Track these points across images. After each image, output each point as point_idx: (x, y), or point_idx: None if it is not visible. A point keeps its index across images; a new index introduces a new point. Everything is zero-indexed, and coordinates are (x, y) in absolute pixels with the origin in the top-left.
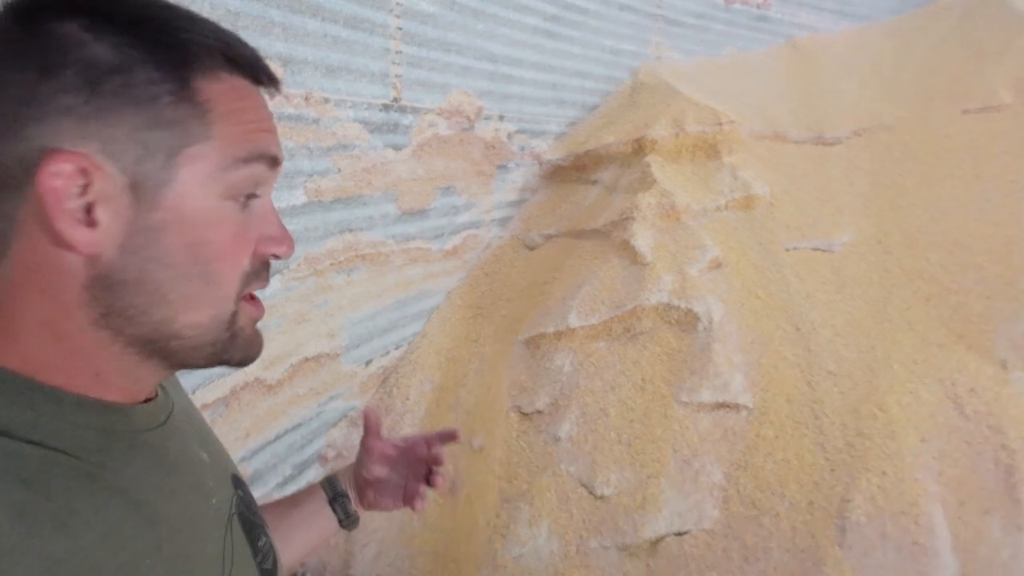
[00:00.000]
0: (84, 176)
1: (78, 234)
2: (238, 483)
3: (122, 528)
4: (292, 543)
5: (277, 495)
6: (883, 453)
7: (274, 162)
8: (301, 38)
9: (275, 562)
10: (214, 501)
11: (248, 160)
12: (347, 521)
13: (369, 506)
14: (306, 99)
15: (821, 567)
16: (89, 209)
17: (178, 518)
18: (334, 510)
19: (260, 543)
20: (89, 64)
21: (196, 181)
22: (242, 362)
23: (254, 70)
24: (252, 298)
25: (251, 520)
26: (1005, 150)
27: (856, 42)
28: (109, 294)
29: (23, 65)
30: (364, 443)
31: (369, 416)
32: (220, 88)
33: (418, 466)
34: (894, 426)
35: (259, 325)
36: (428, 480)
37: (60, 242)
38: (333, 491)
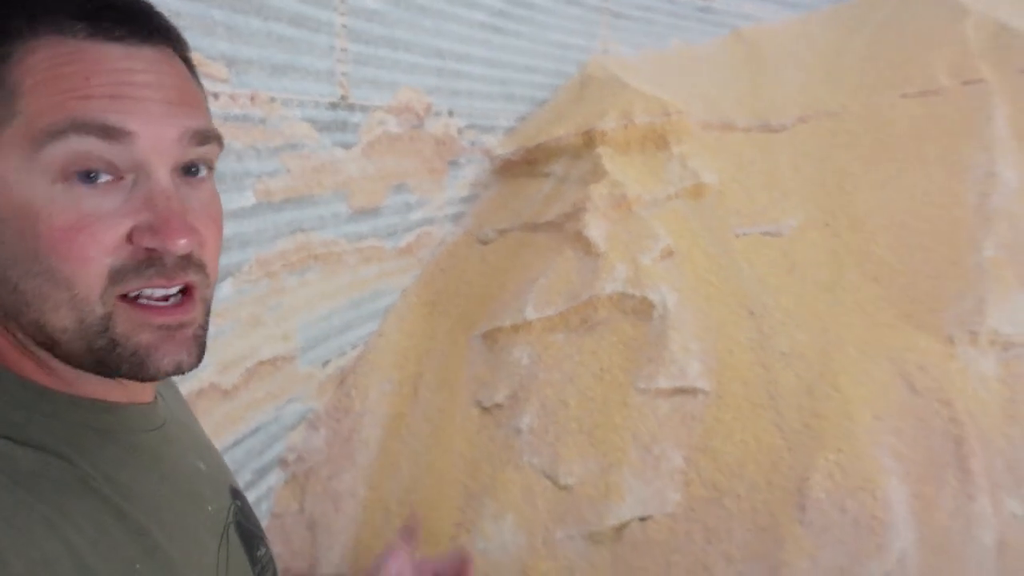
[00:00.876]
0: None
1: None
2: (237, 495)
3: (113, 532)
4: None
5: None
6: (839, 431)
7: (110, 132)
8: (245, 38)
9: (274, 573)
10: (210, 509)
11: (60, 132)
12: None
13: None
14: (252, 99)
15: (782, 544)
16: None
17: (171, 524)
18: None
19: (259, 553)
20: None
21: (12, 166)
22: (138, 375)
23: (92, 24)
24: (135, 299)
25: (249, 530)
26: (945, 132)
27: (798, 31)
28: None
29: None
30: (384, 564)
31: (409, 532)
32: (37, 58)
33: None
34: (848, 405)
35: (215, 329)
36: None
37: None
38: None
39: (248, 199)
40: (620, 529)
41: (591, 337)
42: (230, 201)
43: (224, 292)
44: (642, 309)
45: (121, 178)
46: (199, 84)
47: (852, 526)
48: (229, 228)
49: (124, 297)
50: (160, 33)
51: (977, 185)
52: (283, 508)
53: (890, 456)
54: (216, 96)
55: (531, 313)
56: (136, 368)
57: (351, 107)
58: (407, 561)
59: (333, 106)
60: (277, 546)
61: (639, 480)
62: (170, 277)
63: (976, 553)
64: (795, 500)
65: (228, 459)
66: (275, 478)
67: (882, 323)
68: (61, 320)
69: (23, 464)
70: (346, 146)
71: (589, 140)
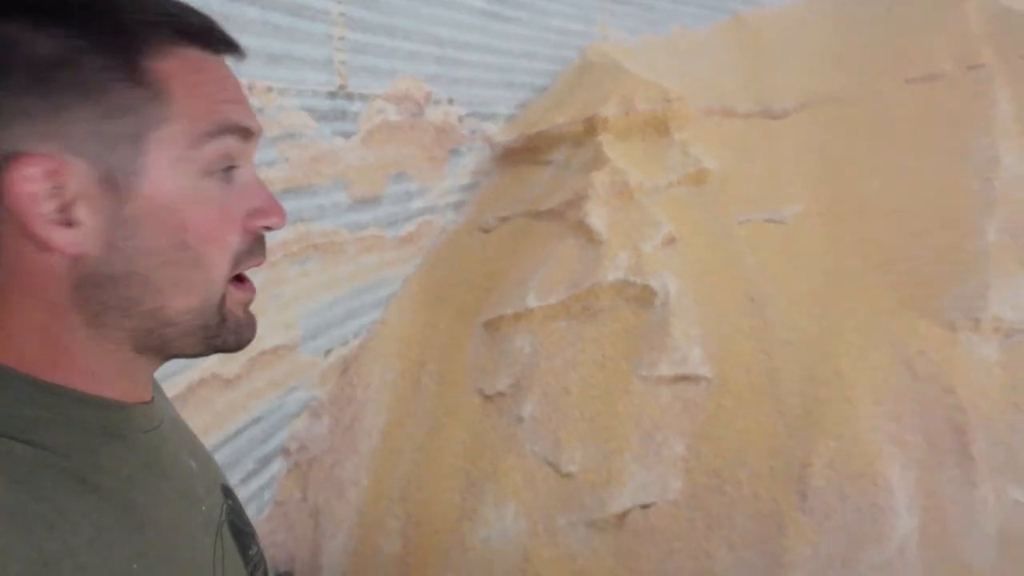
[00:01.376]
0: (54, 177)
1: (58, 236)
2: (228, 493)
3: (111, 531)
4: None
5: (241, 491)
6: (840, 417)
7: (246, 133)
8: (241, 26)
9: (265, 571)
10: (204, 508)
11: (215, 134)
12: None
13: None
14: (249, 88)
15: (784, 531)
16: (65, 209)
17: (168, 523)
18: None
19: (251, 552)
20: (35, 62)
21: (167, 164)
22: (236, 346)
23: (208, 39)
24: (241, 280)
25: (242, 529)
26: (947, 118)
27: (801, 16)
28: (101, 291)
29: None
30: None
31: None
32: (172, 64)
33: None
34: (849, 391)
35: None
36: None
37: (41, 246)
38: None
39: None
40: (622, 516)
41: (593, 325)
42: None
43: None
44: (644, 296)
45: (239, 168)
46: None
47: (853, 513)
48: None
49: (232, 278)
50: (236, 49)
51: (979, 171)
52: (286, 496)
53: (891, 442)
54: (237, 61)
55: (533, 301)
56: (236, 340)
57: (350, 96)
58: None
59: (332, 95)
60: (280, 534)
61: (641, 467)
62: (260, 256)
63: (978, 540)
64: (796, 487)
65: (231, 448)
66: (278, 466)
67: (884, 309)
68: (189, 301)
69: (23, 463)
70: (345, 135)
71: (590, 127)
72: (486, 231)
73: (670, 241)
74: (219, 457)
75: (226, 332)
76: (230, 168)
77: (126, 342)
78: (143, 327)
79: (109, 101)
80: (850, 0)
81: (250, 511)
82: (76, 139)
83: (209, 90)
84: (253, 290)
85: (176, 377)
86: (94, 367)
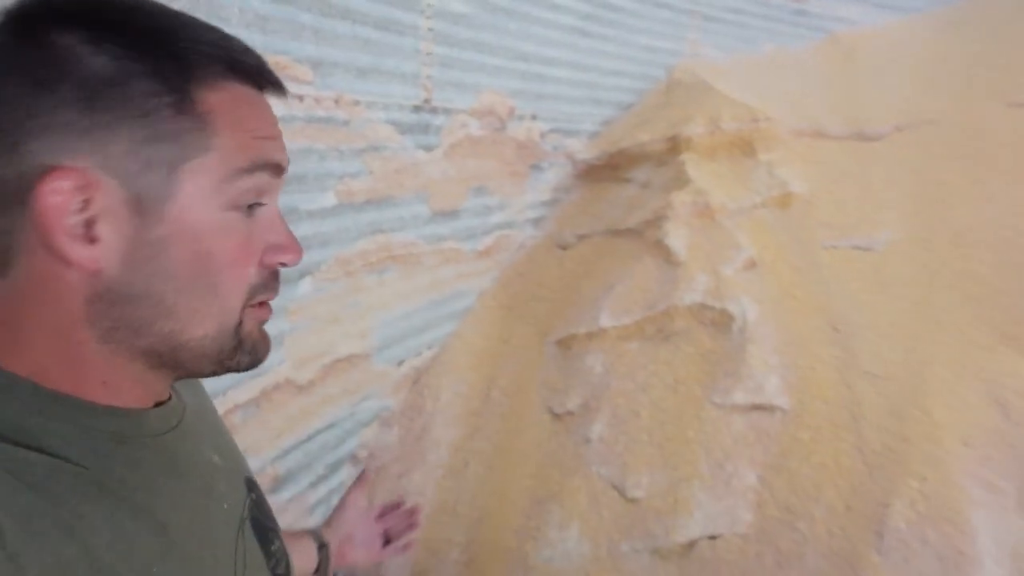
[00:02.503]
0: (84, 192)
1: (78, 250)
2: (252, 486)
3: (129, 534)
4: None
5: (311, 494)
6: (925, 457)
7: (278, 169)
8: (331, 41)
9: (288, 566)
10: (225, 506)
11: (251, 170)
12: (323, 568)
13: (342, 557)
14: (336, 101)
15: (858, 573)
16: (89, 224)
17: (187, 523)
18: (318, 555)
19: (273, 547)
20: (86, 78)
21: (199, 194)
22: (248, 367)
23: (257, 77)
24: (260, 304)
25: (264, 524)
26: None
27: (899, 35)
28: (114, 308)
29: (22, 79)
30: (346, 496)
31: (364, 475)
32: (221, 97)
33: (381, 526)
34: (936, 430)
35: (291, 326)
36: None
37: (61, 258)
38: (319, 540)
39: (329, 200)
40: (688, 546)
41: (667, 347)
42: (311, 201)
43: (303, 290)
44: (721, 321)
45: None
46: None
47: (935, 559)
48: (310, 227)
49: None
50: (278, 88)
51: None
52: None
53: (980, 487)
54: (301, 98)
55: (606, 321)
56: (250, 361)
57: (434, 110)
58: (363, 500)
59: (416, 109)
60: None
61: (710, 497)
62: (274, 291)
63: None
64: (874, 527)
65: (302, 452)
66: (347, 473)
67: (978, 344)
68: (204, 328)
69: (38, 470)
70: (428, 148)
71: (674, 146)
72: (564, 248)
73: (751, 265)
74: (291, 460)
75: (240, 354)
76: (256, 204)
77: (139, 358)
78: (154, 348)
79: (153, 125)
80: (951, 19)
81: (317, 515)
82: (113, 158)
83: (250, 126)
84: (270, 311)
85: (251, 381)
86: (107, 378)
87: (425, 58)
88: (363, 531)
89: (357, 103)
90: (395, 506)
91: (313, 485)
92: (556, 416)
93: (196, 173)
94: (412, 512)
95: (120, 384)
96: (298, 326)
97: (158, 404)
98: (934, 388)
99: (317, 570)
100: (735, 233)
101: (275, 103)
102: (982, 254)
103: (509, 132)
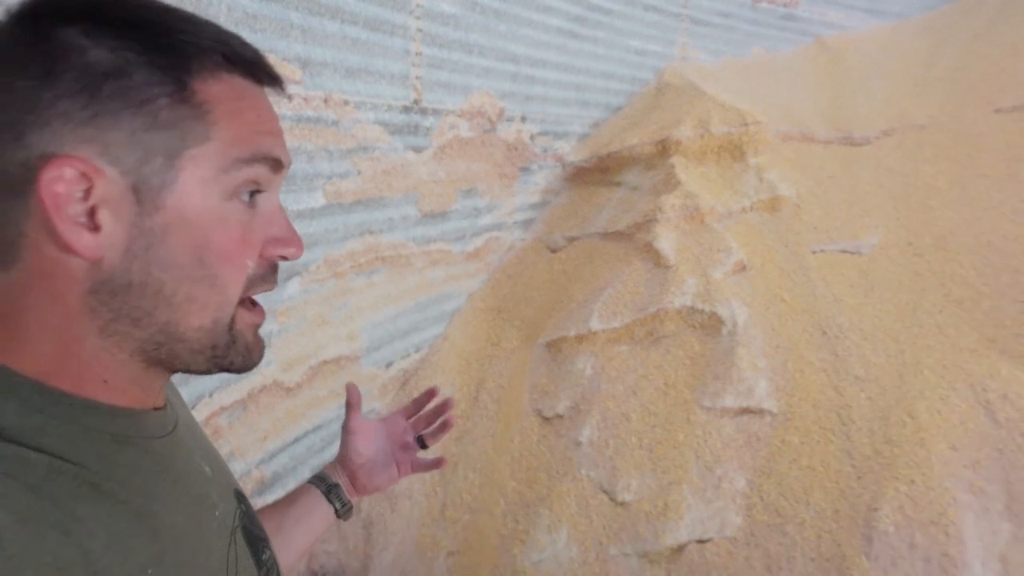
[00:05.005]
0: (86, 180)
1: (81, 238)
2: (240, 498)
3: (125, 537)
4: (294, 540)
5: None
6: (912, 461)
7: (277, 164)
8: (320, 40)
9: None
10: (217, 514)
11: (249, 161)
12: (343, 510)
13: (362, 489)
14: (326, 101)
15: None
16: (91, 213)
17: (182, 529)
18: (330, 502)
19: (264, 557)
20: (87, 69)
21: (198, 183)
22: (242, 368)
23: (255, 70)
24: (252, 304)
25: (254, 533)
26: None
27: (886, 40)
28: (114, 298)
29: (24, 71)
30: (347, 426)
31: (352, 394)
32: (220, 89)
33: (401, 438)
34: (923, 433)
35: (279, 327)
36: (422, 442)
37: (64, 247)
38: (326, 484)
39: (318, 200)
40: (677, 550)
41: (656, 351)
42: (300, 202)
43: (291, 291)
44: (711, 324)
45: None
46: None
47: (922, 562)
48: (298, 228)
49: (243, 300)
50: (276, 82)
51: None
52: None
53: (967, 491)
54: (290, 98)
55: (596, 324)
56: (244, 362)
57: (423, 111)
58: (360, 422)
59: (406, 109)
60: (332, 543)
61: (699, 501)
62: (272, 283)
63: None
64: (862, 531)
65: (288, 455)
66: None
67: (964, 348)
68: (201, 319)
69: (37, 470)
70: (417, 149)
71: (663, 149)
72: (553, 250)
73: (740, 268)
74: (277, 463)
75: (234, 353)
76: (255, 193)
77: (136, 353)
78: (153, 339)
79: (153, 115)
80: (939, 25)
81: None
82: (114, 147)
83: (249, 118)
84: (263, 314)
85: (238, 383)
86: (107, 376)
87: (415, 58)
88: (377, 453)
89: (346, 103)
90: (422, 402)
91: None
92: (545, 419)
93: (195, 162)
94: (443, 407)
95: (119, 383)
96: (286, 327)
97: (156, 409)
98: (920, 391)
99: (338, 514)
100: (724, 236)
101: None
102: (967, 258)
103: (499, 134)
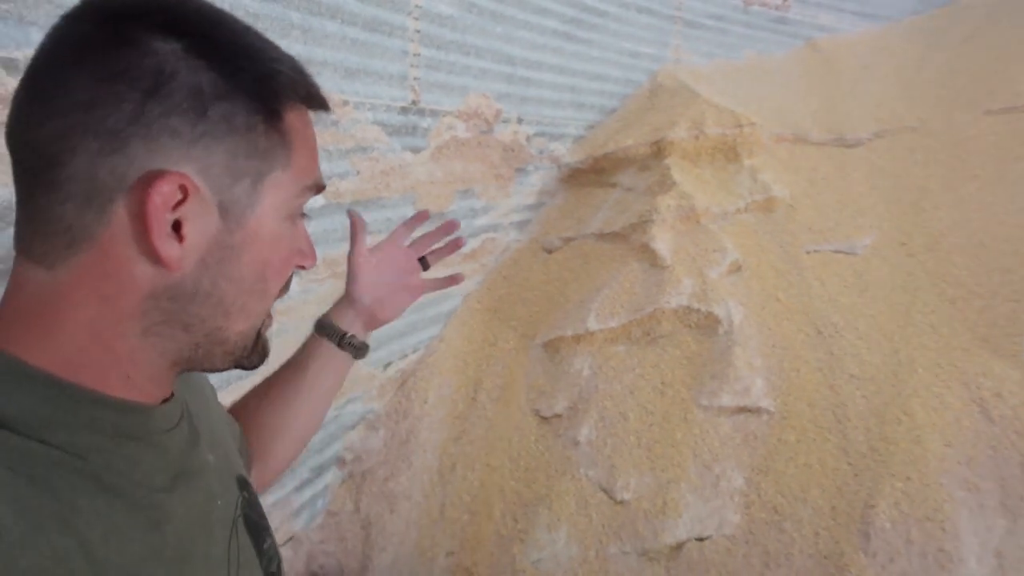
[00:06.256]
0: (182, 193)
1: (169, 248)
2: (244, 485)
3: (125, 529)
4: (317, 400)
5: (295, 498)
6: (908, 458)
7: (320, 189)
8: (320, 40)
9: (279, 565)
10: (219, 503)
11: (312, 188)
12: (359, 353)
13: (377, 322)
14: None
15: (844, 573)
16: (178, 225)
17: (182, 521)
18: (344, 349)
19: (265, 545)
20: (198, 89)
21: (273, 205)
22: (257, 365)
23: (317, 101)
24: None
25: (256, 522)
26: None
27: (877, 43)
28: (175, 303)
29: (129, 83)
30: (352, 258)
31: (356, 222)
32: (295, 118)
33: (405, 263)
34: (919, 431)
35: (279, 327)
36: (424, 263)
37: (150, 254)
38: (336, 333)
39: (317, 200)
40: (676, 548)
41: (653, 350)
42: None
43: (291, 291)
44: (707, 324)
45: None
46: None
47: (919, 558)
48: None
49: None
50: (325, 110)
51: None
52: (339, 506)
53: (962, 487)
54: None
55: (593, 324)
56: (259, 360)
57: (421, 111)
58: (365, 254)
59: (404, 110)
60: (331, 543)
61: (697, 499)
62: (287, 289)
63: None
64: (859, 528)
65: None
66: (332, 476)
67: (957, 347)
68: (244, 325)
69: (39, 462)
70: (415, 150)
71: (658, 150)
72: (549, 251)
73: (736, 268)
74: None
75: (255, 354)
76: (306, 217)
77: (169, 353)
78: (194, 342)
79: (250, 140)
80: (929, 28)
81: (302, 519)
82: (211, 166)
83: (312, 146)
84: (272, 318)
85: (240, 382)
86: (131, 372)
87: (413, 59)
88: (386, 286)
89: (346, 103)
90: (412, 225)
91: (298, 489)
92: (543, 419)
93: (275, 187)
94: (449, 226)
95: (139, 380)
96: (285, 328)
97: (164, 401)
98: (915, 389)
99: (355, 356)
100: (720, 237)
101: None
102: (960, 257)
103: (495, 135)
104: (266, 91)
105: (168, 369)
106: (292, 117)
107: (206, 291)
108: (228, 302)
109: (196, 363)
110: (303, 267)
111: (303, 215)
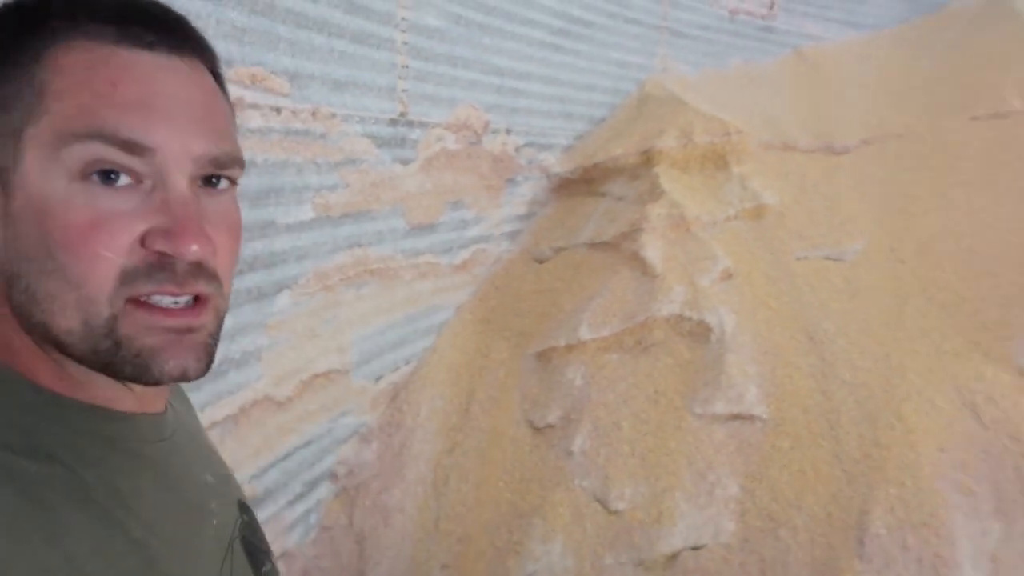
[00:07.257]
0: None
1: None
2: (244, 509)
3: (113, 543)
4: None
5: (288, 513)
6: (901, 463)
7: (127, 145)
8: (308, 53)
9: None
10: (215, 523)
11: (82, 137)
12: None
13: None
14: (313, 114)
15: None
16: None
17: (172, 537)
18: None
19: (264, 569)
20: None
21: (35, 161)
22: (138, 378)
23: (121, 30)
24: (147, 304)
25: (256, 546)
26: (1016, 156)
27: (863, 51)
28: (9, 292)
29: None
30: None
31: None
32: (67, 61)
33: None
34: (912, 436)
35: (270, 341)
36: None
37: None
38: None
39: (307, 213)
40: (672, 557)
41: (646, 359)
42: (289, 214)
43: (281, 304)
44: (699, 332)
45: (140, 182)
46: (227, 99)
47: (914, 563)
48: (287, 241)
49: (134, 300)
50: (191, 44)
51: None
52: (332, 521)
53: (956, 492)
54: (278, 110)
55: (585, 333)
56: (141, 371)
57: (410, 123)
58: None
59: (393, 122)
60: (326, 559)
61: (692, 507)
62: (181, 284)
63: None
64: (854, 534)
65: (279, 470)
66: (325, 490)
67: (948, 352)
68: (68, 321)
69: (26, 475)
70: (404, 162)
71: (647, 159)
72: (541, 261)
73: (727, 276)
74: (268, 479)
75: (122, 361)
76: (112, 175)
77: (56, 352)
78: (46, 340)
79: (2, 93)
80: (915, 36)
81: (296, 534)
82: None
83: (97, 89)
84: (164, 314)
85: (229, 397)
86: (81, 377)
87: (401, 71)
88: None
89: (334, 116)
90: None
91: (291, 503)
92: (537, 429)
93: (33, 141)
94: None
95: (99, 385)
96: (276, 341)
97: (154, 415)
98: (907, 395)
99: None
100: (710, 245)
101: (255, 115)
102: (949, 263)
103: (484, 146)
104: (17, 35)
105: (90, 372)
106: (59, 59)
107: (13, 274)
108: (33, 287)
109: (99, 371)
110: (162, 252)
111: (112, 173)
